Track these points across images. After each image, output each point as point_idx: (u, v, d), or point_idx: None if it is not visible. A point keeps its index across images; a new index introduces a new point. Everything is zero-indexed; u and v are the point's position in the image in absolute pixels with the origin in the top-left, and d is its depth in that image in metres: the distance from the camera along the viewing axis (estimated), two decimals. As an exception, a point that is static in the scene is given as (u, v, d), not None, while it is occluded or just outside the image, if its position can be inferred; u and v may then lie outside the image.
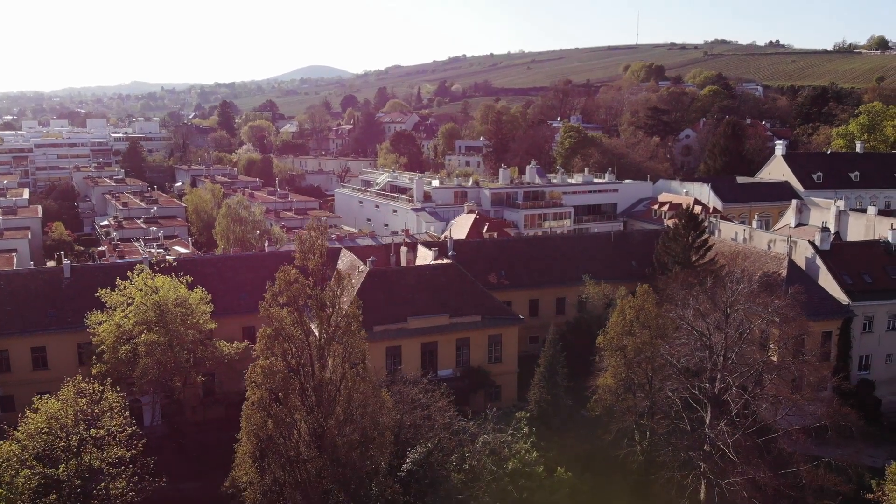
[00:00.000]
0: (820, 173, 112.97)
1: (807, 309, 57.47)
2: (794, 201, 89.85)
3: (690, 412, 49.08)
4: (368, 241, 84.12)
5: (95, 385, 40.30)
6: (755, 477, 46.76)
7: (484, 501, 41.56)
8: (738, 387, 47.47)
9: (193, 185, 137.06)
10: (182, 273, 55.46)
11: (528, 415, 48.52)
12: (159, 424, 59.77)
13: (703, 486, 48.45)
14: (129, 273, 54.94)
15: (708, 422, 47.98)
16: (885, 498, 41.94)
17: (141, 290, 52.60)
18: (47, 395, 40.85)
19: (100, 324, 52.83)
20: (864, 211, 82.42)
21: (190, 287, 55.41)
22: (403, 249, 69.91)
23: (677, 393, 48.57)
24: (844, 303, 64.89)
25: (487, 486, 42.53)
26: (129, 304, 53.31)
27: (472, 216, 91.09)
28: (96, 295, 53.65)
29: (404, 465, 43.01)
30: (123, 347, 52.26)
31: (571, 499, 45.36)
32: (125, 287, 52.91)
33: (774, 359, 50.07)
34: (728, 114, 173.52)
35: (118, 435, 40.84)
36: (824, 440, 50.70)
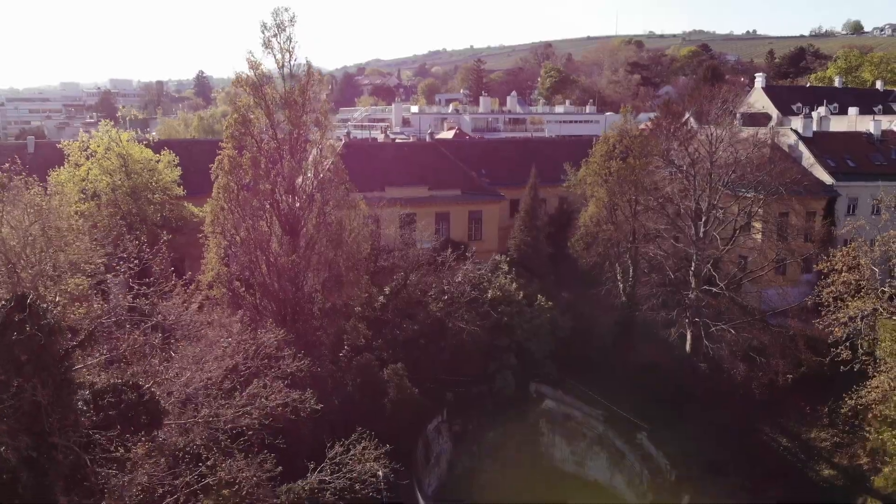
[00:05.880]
0: (799, 104, 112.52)
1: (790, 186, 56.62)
2: (774, 115, 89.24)
3: (676, 260, 47.91)
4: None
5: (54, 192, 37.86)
6: (743, 319, 45.79)
7: (464, 319, 40.01)
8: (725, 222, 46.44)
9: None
10: (148, 130, 53.09)
11: (507, 259, 47.08)
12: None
13: (689, 332, 47.28)
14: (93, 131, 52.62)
15: (694, 264, 46.78)
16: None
17: (104, 141, 50.27)
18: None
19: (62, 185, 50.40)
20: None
21: (156, 151, 53.15)
22: (381, 136, 68.14)
23: (661, 241, 47.40)
24: (828, 183, 64.20)
25: (467, 310, 41.00)
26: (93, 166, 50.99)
27: (453, 131, 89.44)
28: (59, 146, 51.24)
29: (383, 295, 41.49)
30: (86, 204, 49.85)
31: (554, 335, 44.00)
32: (88, 138, 50.54)
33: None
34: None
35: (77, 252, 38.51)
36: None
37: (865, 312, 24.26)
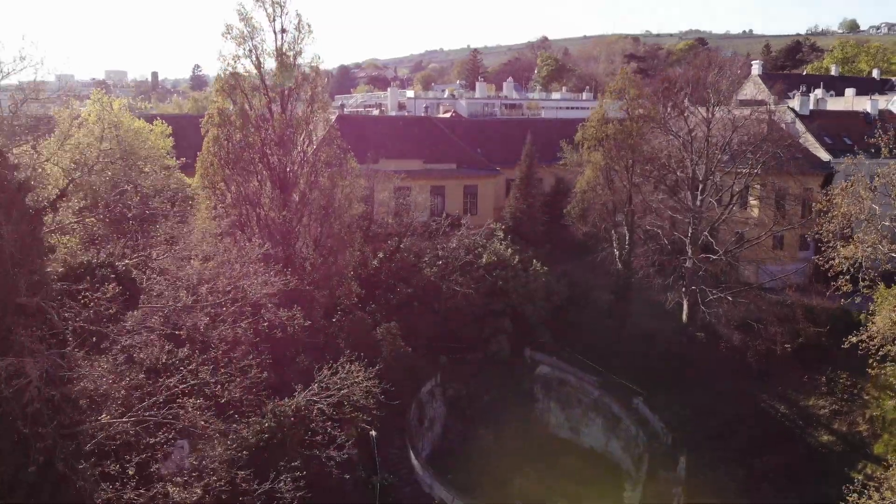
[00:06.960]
0: (796, 91, 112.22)
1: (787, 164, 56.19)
2: (770, 97, 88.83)
3: (673, 227, 47.51)
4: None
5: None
6: (740, 286, 45.44)
7: (459, 283, 39.47)
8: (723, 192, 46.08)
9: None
10: (140, 97, 52.40)
11: (503, 227, 46.59)
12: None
13: (685, 299, 46.86)
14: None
15: (691, 230, 46.36)
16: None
17: (95, 108, 49.57)
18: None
19: (49, 160, 49.69)
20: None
21: (149, 122, 52.51)
22: (375, 112, 67.56)
23: (659, 209, 46.96)
24: (825, 160, 63.86)
25: (461, 274, 40.46)
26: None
27: (449, 113, 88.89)
28: (50, 114, 50.51)
29: (377, 259, 40.95)
30: (77, 174, 49.19)
31: (549, 301, 43.50)
32: (78, 105, 49.81)
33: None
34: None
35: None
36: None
37: (867, 247, 23.85)
